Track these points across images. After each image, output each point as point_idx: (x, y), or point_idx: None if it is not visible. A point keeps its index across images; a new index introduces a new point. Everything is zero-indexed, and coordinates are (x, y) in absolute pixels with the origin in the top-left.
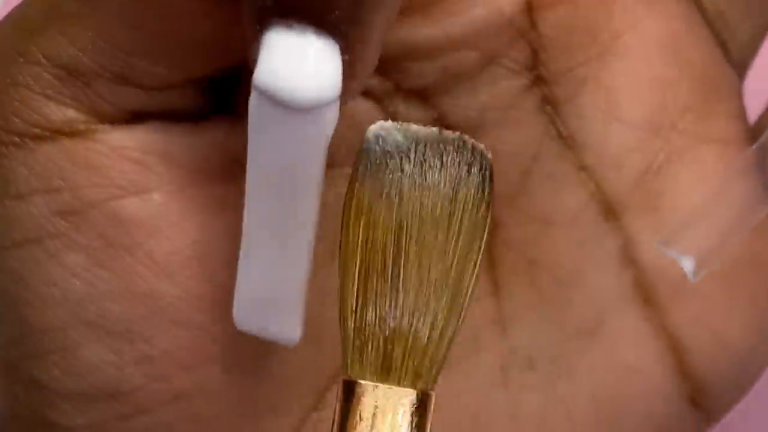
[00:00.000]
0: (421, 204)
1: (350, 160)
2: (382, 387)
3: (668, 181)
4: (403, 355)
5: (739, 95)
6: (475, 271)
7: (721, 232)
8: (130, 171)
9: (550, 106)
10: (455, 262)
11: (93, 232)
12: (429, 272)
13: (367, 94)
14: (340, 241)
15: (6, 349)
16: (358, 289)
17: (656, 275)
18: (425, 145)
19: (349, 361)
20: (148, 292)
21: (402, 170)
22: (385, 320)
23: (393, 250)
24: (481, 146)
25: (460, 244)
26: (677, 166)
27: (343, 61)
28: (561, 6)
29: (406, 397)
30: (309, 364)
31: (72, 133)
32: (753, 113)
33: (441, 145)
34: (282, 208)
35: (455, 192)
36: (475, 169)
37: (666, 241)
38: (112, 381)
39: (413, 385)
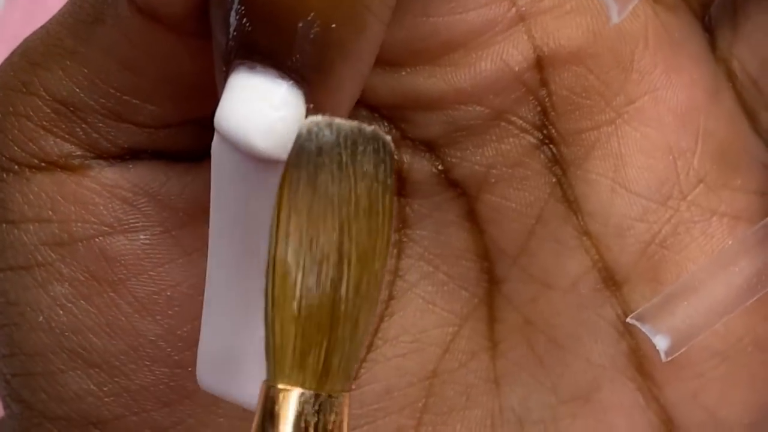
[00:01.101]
0: (356, 200)
1: None
2: (322, 394)
3: (673, 253)
4: (340, 362)
5: (763, 169)
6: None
7: (706, 312)
8: (119, 210)
9: (558, 167)
10: (380, 260)
11: (79, 266)
12: (365, 277)
13: None
14: (272, 247)
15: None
16: (300, 296)
17: (652, 348)
18: (349, 140)
19: (287, 368)
20: (129, 328)
21: (338, 167)
22: (325, 328)
23: (336, 254)
24: (387, 137)
25: (379, 240)
26: (684, 239)
27: (308, 109)
28: (574, 66)
29: (332, 399)
30: None
31: (66, 167)
32: None
33: (361, 138)
34: (242, 261)
35: (373, 185)
36: (381, 153)
37: (643, 315)
38: (93, 410)
39: (344, 389)
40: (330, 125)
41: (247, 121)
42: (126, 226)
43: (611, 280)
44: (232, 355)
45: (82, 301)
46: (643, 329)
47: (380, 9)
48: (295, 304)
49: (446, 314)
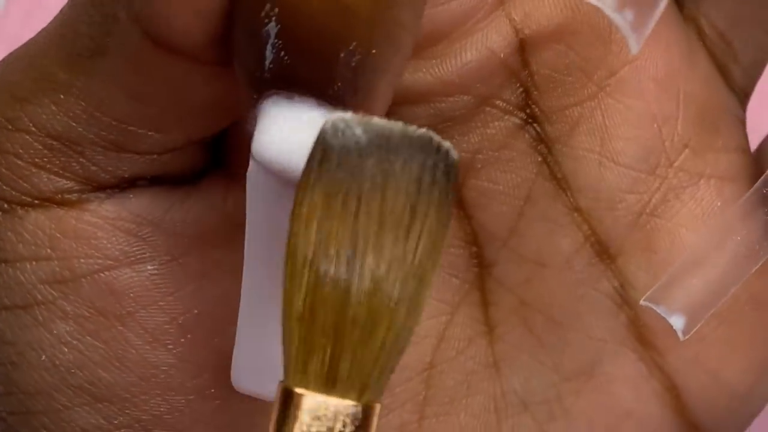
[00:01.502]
0: (381, 205)
1: None
2: (325, 398)
3: (665, 220)
4: (351, 366)
5: (739, 123)
6: (432, 280)
7: (714, 286)
8: (124, 242)
9: (543, 145)
10: (412, 272)
11: (83, 302)
12: (385, 281)
13: None
14: (288, 240)
15: None
16: (306, 296)
17: (651, 316)
18: (387, 142)
19: (291, 369)
20: (139, 360)
21: (361, 169)
22: (335, 329)
23: (346, 258)
24: (447, 144)
25: (419, 252)
26: (674, 205)
27: None
28: (554, 44)
29: (350, 409)
30: None
31: (63, 202)
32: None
33: (405, 142)
34: (273, 275)
35: (417, 193)
36: (439, 171)
37: (655, 297)
38: None
39: (359, 398)
40: (362, 123)
41: (288, 151)
42: (132, 258)
43: (605, 254)
44: (269, 357)
45: (88, 337)
46: (658, 311)
47: (413, 24)
48: (300, 304)
49: (438, 304)
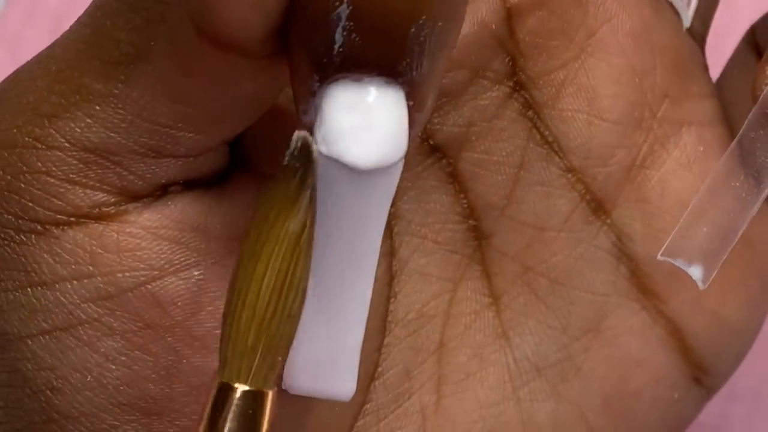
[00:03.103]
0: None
1: None
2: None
3: (653, 170)
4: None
5: (705, 68)
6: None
7: (723, 232)
8: (168, 250)
9: (532, 111)
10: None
11: (130, 316)
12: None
13: None
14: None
15: None
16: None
17: (651, 265)
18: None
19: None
20: (190, 369)
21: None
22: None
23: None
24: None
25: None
26: (661, 155)
27: (409, 107)
28: (537, 10)
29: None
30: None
31: (101, 217)
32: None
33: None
34: (345, 270)
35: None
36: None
37: (669, 252)
38: None
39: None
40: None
41: (358, 138)
42: (177, 266)
43: (601, 210)
44: (329, 356)
45: (137, 352)
46: (677, 264)
47: None
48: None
49: (442, 281)
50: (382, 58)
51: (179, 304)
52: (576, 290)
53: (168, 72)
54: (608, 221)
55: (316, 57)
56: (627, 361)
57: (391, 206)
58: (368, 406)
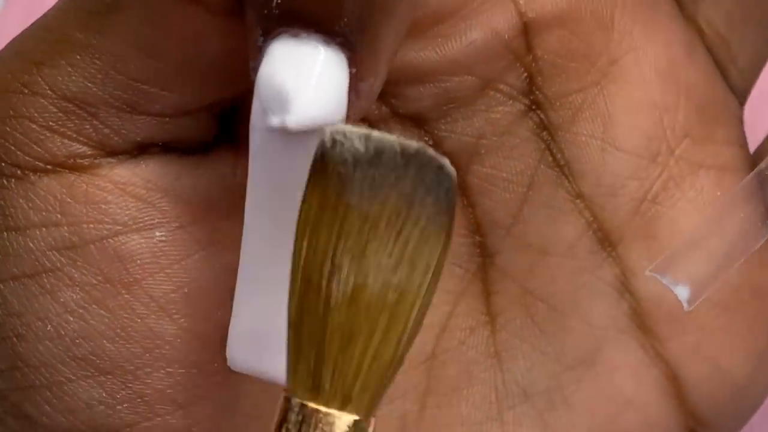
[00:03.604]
0: (365, 218)
1: None
2: (310, 406)
3: (665, 208)
4: (333, 375)
5: (738, 121)
6: (421, 294)
7: (717, 260)
8: (133, 208)
9: (546, 132)
10: (397, 283)
11: (91, 269)
12: (363, 292)
13: (362, 119)
14: (293, 251)
15: None
16: (296, 303)
17: (653, 304)
18: (383, 156)
19: (288, 375)
20: (144, 330)
21: (355, 181)
22: (316, 338)
23: (329, 266)
24: (444, 161)
25: (404, 265)
26: (674, 194)
27: (351, 74)
28: (558, 29)
29: (336, 419)
30: None
31: (75, 167)
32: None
33: (401, 157)
34: (279, 237)
35: (407, 209)
36: (432, 186)
37: (660, 268)
38: (102, 419)
39: (342, 408)
40: (362, 136)
41: (292, 92)
42: (141, 224)
43: (607, 241)
44: (265, 332)
45: (94, 306)
46: (663, 281)
47: None
48: (292, 311)
49: (441, 293)
50: (318, 13)
51: (138, 261)
52: (573, 320)
53: (139, 24)
54: (613, 254)
55: (258, 10)
56: (618, 399)
57: None
58: None
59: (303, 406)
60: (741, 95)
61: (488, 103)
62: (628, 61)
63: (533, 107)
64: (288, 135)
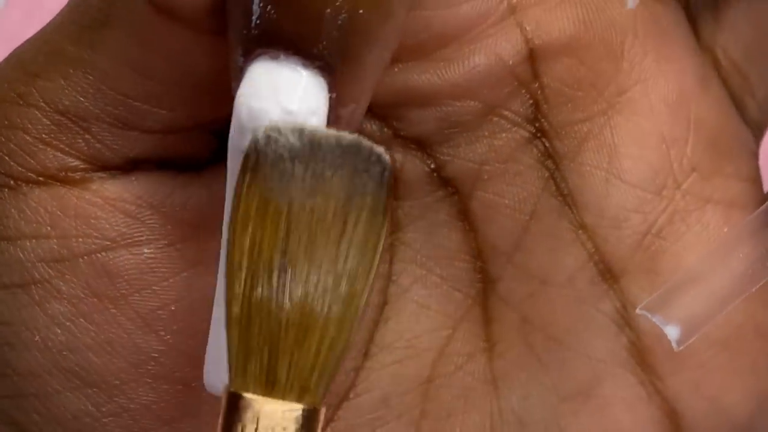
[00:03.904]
0: (311, 211)
1: None
2: (266, 401)
3: (669, 243)
4: (288, 369)
5: (752, 155)
6: (370, 279)
7: (713, 299)
8: (123, 224)
9: (551, 160)
10: (348, 272)
11: (78, 282)
12: (316, 284)
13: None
14: (227, 250)
15: None
16: (242, 300)
17: (653, 339)
18: (320, 148)
19: (232, 373)
20: (130, 345)
21: (293, 176)
22: (270, 333)
23: (279, 261)
24: (380, 149)
25: (353, 253)
26: (680, 228)
27: (330, 99)
28: (565, 57)
29: (292, 412)
30: None
31: (67, 180)
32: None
33: (337, 148)
34: None
35: (348, 199)
36: (371, 175)
37: (651, 306)
38: (89, 431)
39: (299, 400)
40: (296, 131)
41: (267, 114)
42: (129, 240)
43: (608, 273)
44: None
45: (81, 319)
46: (654, 319)
47: None
48: (237, 309)
49: (440, 317)
50: (297, 35)
51: (126, 277)
52: (572, 351)
53: (127, 41)
54: (615, 287)
55: (238, 30)
56: None
57: (398, 232)
58: (336, 424)
59: (255, 402)
60: (758, 129)
61: (492, 130)
62: (637, 92)
63: (538, 135)
64: None
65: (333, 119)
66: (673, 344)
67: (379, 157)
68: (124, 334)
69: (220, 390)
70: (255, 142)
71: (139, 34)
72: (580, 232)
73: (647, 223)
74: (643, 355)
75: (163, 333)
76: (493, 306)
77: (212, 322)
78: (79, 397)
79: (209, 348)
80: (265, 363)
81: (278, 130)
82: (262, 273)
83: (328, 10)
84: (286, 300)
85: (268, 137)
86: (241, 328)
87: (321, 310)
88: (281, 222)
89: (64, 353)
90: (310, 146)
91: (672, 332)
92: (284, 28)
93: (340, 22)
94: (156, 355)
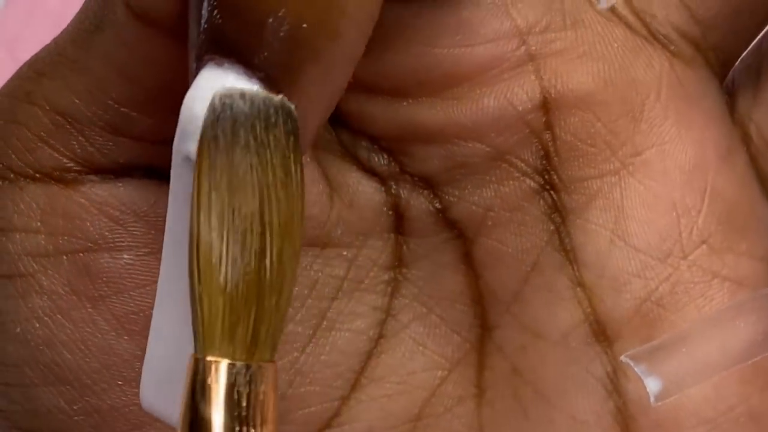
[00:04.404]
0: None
1: (347, 241)
2: (251, 365)
3: (669, 312)
4: (267, 331)
5: None
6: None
7: (702, 364)
8: (105, 228)
9: (558, 214)
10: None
11: (60, 279)
12: (283, 237)
13: (373, 174)
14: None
15: None
16: (228, 269)
17: (640, 409)
18: (260, 112)
19: (218, 341)
20: (104, 346)
21: (249, 141)
22: (254, 298)
23: (257, 223)
24: (291, 107)
25: (293, 196)
26: (682, 299)
27: None
28: (581, 111)
29: (269, 371)
30: None
31: (60, 180)
32: None
33: (270, 111)
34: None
35: (276, 159)
36: (291, 135)
37: (637, 355)
38: (63, 427)
39: (271, 358)
40: (243, 96)
41: (201, 118)
42: (111, 244)
43: (602, 335)
44: (174, 374)
45: (59, 315)
46: (636, 369)
47: (357, 15)
48: (221, 278)
49: (436, 357)
50: (238, 43)
51: (105, 279)
52: (558, 410)
53: (115, 46)
54: (608, 350)
55: (192, 35)
56: None
57: (402, 268)
58: None
59: (247, 366)
60: None
61: (500, 176)
62: (653, 155)
63: (547, 187)
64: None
65: None
66: (651, 398)
67: (290, 108)
68: (98, 334)
69: (152, 409)
70: (212, 110)
71: (123, 39)
72: (579, 289)
73: (648, 290)
74: (628, 423)
75: (137, 338)
76: (489, 353)
77: (150, 336)
78: (53, 392)
79: (146, 364)
80: (250, 328)
81: (229, 96)
82: (241, 239)
83: (270, 20)
84: (266, 261)
85: (222, 104)
86: (224, 296)
87: (286, 267)
88: (253, 185)
89: (41, 347)
90: (257, 109)
91: (652, 385)
92: (227, 35)
93: (282, 34)
94: (128, 358)
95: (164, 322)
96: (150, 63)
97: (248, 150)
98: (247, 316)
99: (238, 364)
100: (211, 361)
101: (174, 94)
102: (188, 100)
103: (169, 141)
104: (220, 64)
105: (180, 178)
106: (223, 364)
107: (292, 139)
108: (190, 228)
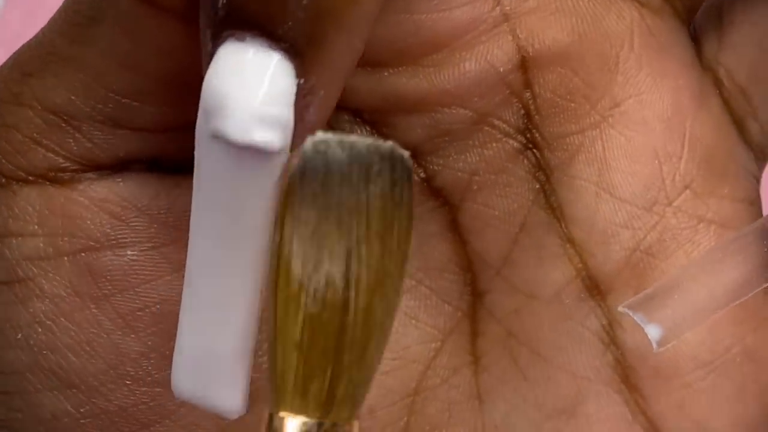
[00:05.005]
0: (363, 226)
1: None
2: (326, 424)
3: (658, 260)
4: (346, 389)
5: (751, 177)
6: (401, 285)
7: (697, 306)
8: (107, 225)
9: (542, 172)
10: (391, 273)
11: (61, 281)
12: (376, 294)
13: None
14: (277, 263)
15: None
16: (304, 323)
17: (638, 358)
18: (362, 158)
19: (287, 396)
20: (110, 346)
21: (341, 189)
22: (331, 353)
23: (341, 273)
24: (403, 153)
25: (395, 257)
26: (670, 246)
27: (298, 86)
28: (558, 67)
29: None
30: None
31: (55, 180)
32: None
33: (375, 156)
34: (222, 258)
35: (393, 210)
36: (400, 179)
37: (634, 304)
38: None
39: (350, 419)
40: (341, 143)
41: (230, 95)
42: (114, 242)
43: (595, 289)
44: (210, 358)
45: (62, 319)
46: (635, 318)
47: None
48: (298, 330)
49: (429, 329)
50: (261, 14)
51: (109, 278)
52: (556, 367)
53: (117, 36)
54: (602, 303)
55: (207, 14)
56: None
57: None
58: None
59: (320, 424)
60: (761, 152)
61: (483, 139)
62: (631, 106)
63: (529, 146)
64: (230, 146)
65: (301, 106)
66: (653, 344)
67: (400, 156)
68: (104, 335)
69: (189, 396)
70: (304, 156)
71: (127, 28)
72: (569, 246)
73: (636, 240)
74: (628, 374)
75: (143, 335)
76: (481, 319)
77: (180, 323)
78: (58, 397)
79: (177, 352)
80: (325, 385)
81: (324, 142)
82: (322, 293)
83: None
84: (350, 317)
85: (315, 149)
86: (300, 350)
87: (379, 324)
88: (341, 237)
89: (45, 352)
90: (355, 155)
91: (653, 332)
92: (250, 8)
93: (305, 2)
94: (135, 356)
95: (197, 305)
96: (153, 50)
97: (340, 199)
98: (323, 372)
99: (310, 421)
100: (282, 417)
101: (176, 81)
102: (209, 77)
103: (173, 129)
104: (241, 39)
105: (206, 158)
106: (294, 420)
107: (398, 188)
108: (269, 273)
